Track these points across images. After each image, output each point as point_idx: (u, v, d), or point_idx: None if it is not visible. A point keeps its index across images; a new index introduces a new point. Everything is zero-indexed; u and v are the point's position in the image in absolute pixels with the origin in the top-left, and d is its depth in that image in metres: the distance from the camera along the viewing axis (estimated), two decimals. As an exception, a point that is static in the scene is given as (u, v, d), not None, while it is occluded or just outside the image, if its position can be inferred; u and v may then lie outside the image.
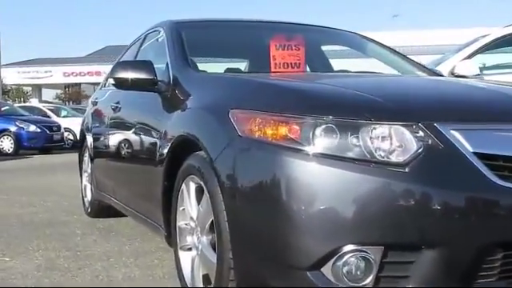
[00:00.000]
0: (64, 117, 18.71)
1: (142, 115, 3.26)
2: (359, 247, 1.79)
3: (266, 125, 1.98)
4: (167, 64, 3.13)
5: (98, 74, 42.90)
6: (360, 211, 1.79)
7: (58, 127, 15.79)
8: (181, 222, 2.61)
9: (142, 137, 3.19)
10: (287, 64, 3.51)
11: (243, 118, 2.07)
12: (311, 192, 1.83)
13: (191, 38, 3.35)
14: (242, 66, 3.96)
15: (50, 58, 46.27)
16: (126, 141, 3.54)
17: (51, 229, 4.45)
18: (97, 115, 4.51)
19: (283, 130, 1.94)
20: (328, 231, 1.81)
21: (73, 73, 43.11)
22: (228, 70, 3.40)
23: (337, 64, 4.14)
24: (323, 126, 1.88)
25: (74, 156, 13.82)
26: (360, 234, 1.80)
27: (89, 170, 4.91)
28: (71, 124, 17.54)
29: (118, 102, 3.79)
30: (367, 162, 1.83)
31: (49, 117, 17.58)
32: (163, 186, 2.73)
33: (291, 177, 1.86)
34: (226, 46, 3.67)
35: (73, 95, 43.22)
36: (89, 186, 4.95)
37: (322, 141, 1.87)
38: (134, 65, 3.03)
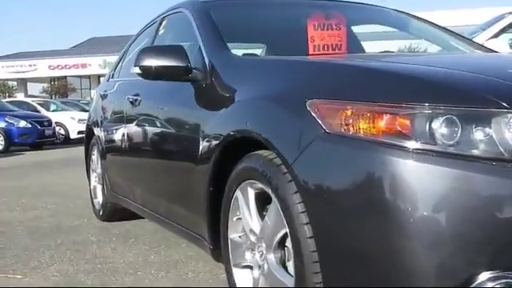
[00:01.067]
0: (54, 111, 18.13)
1: (173, 109, 2.84)
2: (501, 273, 1.40)
3: (362, 118, 1.58)
4: (199, 49, 2.72)
5: (84, 66, 42.28)
6: (501, 226, 1.40)
7: (49, 122, 15.25)
8: (234, 235, 2.21)
9: (175, 134, 2.77)
10: (327, 46, 3.09)
11: (329, 110, 1.67)
12: (432, 202, 1.44)
13: (221, 19, 2.92)
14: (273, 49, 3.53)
15: (34, 51, 45.41)
16: (152, 138, 3.11)
17: (62, 236, 4.02)
18: (108, 109, 4.07)
19: (388, 124, 1.54)
20: (458, 253, 1.42)
21: (58, 66, 42.31)
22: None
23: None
24: (442, 118, 1.48)
25: (68, 151, 13.44)
26: (501, 255, 1.41)
27: (99, 170, 4.48)
28: (62, 118, 17.02)
29: (136, 95, 3.36)
30: (504, 162, 1.43)
31: (38, 111, 17.00)
32: (208, 192, 2.32)
33: (404, 183, 1.46)
34: (259, 28, 3.24)
35: (60, 88, 42.43)
36: (99, 187, 4.52)
37: (441, 136, 1.48)
38: (164, 51, 2.60)
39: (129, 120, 3.47)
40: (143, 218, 4.31)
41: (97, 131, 4.28)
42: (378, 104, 1.57)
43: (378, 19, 3.61)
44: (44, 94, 39.69)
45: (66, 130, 17.02)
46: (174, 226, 2.92)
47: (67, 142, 16.71)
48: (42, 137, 14.67)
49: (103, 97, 4.26)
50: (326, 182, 1.63)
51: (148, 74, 2.62)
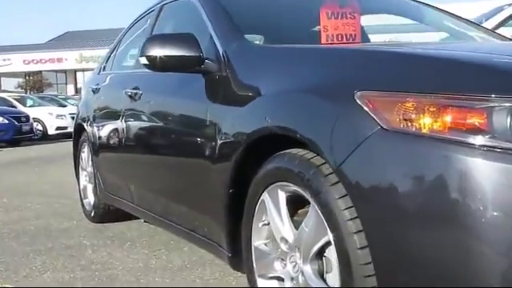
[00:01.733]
0: (30, 106, 17.63)
1: (181, 103, 2.60)
2: None
3: (427, 112, 1.38)
4: (211, 38, 2.49)
5: (60, 60, 41.56)
6: None
7: (27, 118, 14.80)
8: (259, 242, 1.99)
9: (184, 131, 2.54)
10: (341, 36, 2.89)
11: (386, 104, 1.46)
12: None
13: (231, 5, 2.70)
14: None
15: (8, 45, 44.47)
16: (155, 136, 2.88)
17: (52, 240, 3.76)
18: (102, 104, 3.81)
19: (459, 118, 1.34)
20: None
21: (33, 60, 41.54)
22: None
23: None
24: (525, 112, 1.29)
25: (47, 148, 13.03)
26: None
27: (90, 169, 4.22)
28: (39, 114, 16.54)
29: (136, 88, 3.12)
30: None
31: (15, 107, 16.52)
32: (228, 195, 2.10)
33: (486, 188, 1.26)
34: (269, 15, 3.01)
35: (35, 83, 41.60)
36: (90, 187, 4.26)
37: (523, 133, 1.28)
38: (174, 39, 2.36)
39: (127, 115, 3.22)
40: (137, 219, 4.10)
41: (88, 128, 4.02)
42: (446, 96, 1.37)
43: (392, 9, 3.41)
44: (19, 89, 38.85)
45: (44, 126, 16.56)
46: (181, 229, 2.69)
47: (45, 138, 16.27)
48: (19, 133, 14.23)
49: (95, 91, 3.99)
50: (385, 185, 1.42)
51: (155, 64, 2.38)
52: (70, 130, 16.71)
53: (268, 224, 1.96)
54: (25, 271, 3.08)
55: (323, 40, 2.71)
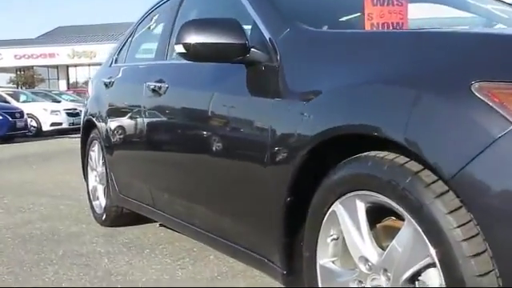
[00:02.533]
0: (24, 102, 17.22)
1: (220, 97, 2.29)
2: None
3: None
4: (254, 24, 2.19)
5: (52, 55, 41.00)
6: None
7: (21, 113, 14.41)
8: (325, 260, 1.71)
9: (225, 129, 2.24)
10: (387, 24, 2.61)
11: (520, 97, 1.18)
12: None
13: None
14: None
15: (-1, 40, 43.85)
16: (188, 135, 2.57)
17: (62, 246, 3.46)
18: (118, 99, 3.50)
19: None
20: None
21: (25, 55, 40.92)
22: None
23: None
24: None
25: (43, 145, 12.64)
26: None
27: (100, 169, 3.91)
28: (33, 109, 16.11)
29: (160, 81, 2.81)
30: None
31: (8, 102, 16.11)
32: (284, 204, 1.81)
33: None
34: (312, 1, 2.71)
35: (27, 79, 41.05)
36: (101, 188, 3.96)
37: None
38: (216, 25, 2.06)
39: (149, 111, 2.91)
40: (150, 222, 3.81)
41: (100, 124, 3.71)
42: None
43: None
44: (11, 85, 38.31)
45: (38, 122, 16.14)
46: (216, 239, 2.40)
47: (39, 134, 15.85)
48: (13, 129, 13.85)
49: (108, 84, 3.68)
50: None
51: (193, 53, 2.08)
52: (65, 126, 16.50)
53: (337, 239, 1.68)
54: (36, 283, 2.78)
55: (367, 29, 2.43)
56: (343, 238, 1.66)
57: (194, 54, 2.09)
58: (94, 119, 3.90)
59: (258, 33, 2.13)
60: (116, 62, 3.90)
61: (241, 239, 2.19)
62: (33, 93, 19.61)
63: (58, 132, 16.25)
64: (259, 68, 2.07)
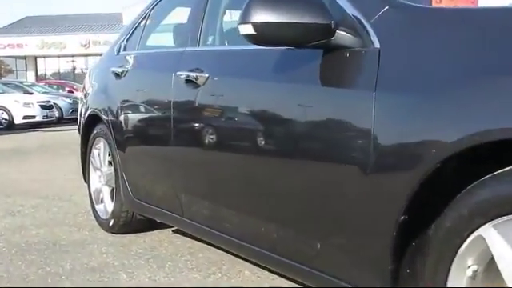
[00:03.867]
0: (-6, 93, 16.49)
1: (291, 90, 1.90)
2: None
3: None
4: (334, 2, 1.82)
5: (20, 46, 39.85)
6: None
7: (-7, 106, 13.77)
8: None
9: (301, 130, 1.84)
10: (457, 9, 2.28)
11: None
12: None
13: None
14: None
15: (-36, 29, 42.40)
16: (242, 132, 2.15)
17: (68, 257, 3.05)
18: (135, 90, 3.07)
19: None
20: None
21: (-9, 45, 39.70)
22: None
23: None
24: None
25: (17, 139, 11.97)
26: None
27: (106, 169, 3.50)
28: (4, 101, 15.37)
29: (197, 70, 2.41)
30: None
31: (-23, 94, 15.41)
32: (396, 222, 1.45)
33: None
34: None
35: (-4, 70, 39.83)
36: (107, 190, 3.54)
37: None
38: (295, 1, 1.68)
39: (181, 104, 2.52)
40: (162, 228, 3.44)
41: (109, 119, 3.28)
42: None
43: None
44: (-23, 76, 37.09)
45: (10, 115, 15.39)
46: (273, 258, 2.02)
47: (11, 127, 15.13)
48: (-16, 122, 13.20)
49: (120, 74, 3.24)
50: None
51: (264, 35, 1.71)
52: (39, 119, 15.81)
53: (476, 271, 1.32)
54: (50, 306, 2.37)
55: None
56: (483, 271, 1.31)
57: (265, 36, 1.71)
58: (99, 113, 3.48)
59: (339, 10, 1.76)
60: (125, 49, 3.48)
61: (316, 260, 1.82)
62: (3, 84, 18.80)
63: (31, 125, 15.58)
64: (344, 54, 1.70)
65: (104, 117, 3.39)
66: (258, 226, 2.11)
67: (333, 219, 1.71)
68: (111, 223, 3.45)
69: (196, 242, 3.18)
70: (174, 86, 2.56)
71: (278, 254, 1.99)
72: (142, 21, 3.41)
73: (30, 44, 39.84)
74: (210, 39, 2.59)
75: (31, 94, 17.78)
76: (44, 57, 41.81)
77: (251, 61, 2.13)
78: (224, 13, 2.67)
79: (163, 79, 2.68)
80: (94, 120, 3.62)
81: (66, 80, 31.24)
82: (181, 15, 2.91)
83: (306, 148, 1.81)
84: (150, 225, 3.46)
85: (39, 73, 42.28)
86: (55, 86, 22.45)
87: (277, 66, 1.98)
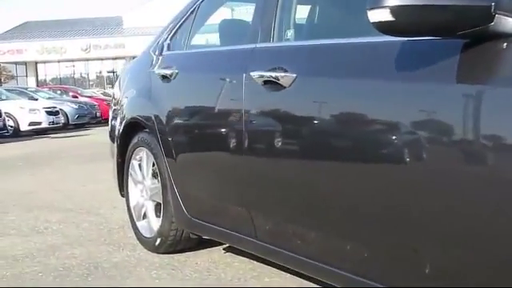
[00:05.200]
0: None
1: (424, 93, 1.55)
2: None
3: None
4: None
5: (20, 52, 39.55)
6: None
7: (-1, 113, 13.41)
8: None
9: (437, 144, 1.50)
10: None
11: None
12: None
13: None
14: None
15: (-37, 35, 42.01)
16: (347, 146, 1.78)
17: (115, 283, 2.71)
18: (193, 94, 2.71)
19: None
20: None
21: (-9, 51, 39.35)
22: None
23: None
24: None
25: (25, 146, 11.57)
26: None
27: (149, 182, 3.15)
28: (10, 108, 14.99)
29: (278, 69, 2.04)
30: None
31: (-20, 101, 15.03)
32: None
33: None
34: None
35: (-2, 75, 39.47)
36: (151, 206, 3.19)
37: None
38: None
39: (261, 109, 2.16)
40: (209, 247, 3.10)
41: (158, 127, 2.91)
42: None
43: None
44: (-21, 82, 36.72)
45: (16, 122, 15.03)
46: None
47: (17, 134, 14.77)
48: (-9, 129, 12.86)
49: (170, 77, 2.88)
50: None
51: (405, 22, 1.36)
52: (45, 125, 15.43)
53: None
54: None
55: None
56: None
57: (406, 23, 1.36)
58: (141, 121, 3.13)
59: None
60: (169, 49, 3.12)
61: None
62: (8, 90, 18.42)
63: (36, 132, 15.23)
64: (502, 45, 1.35)
65: (148, 124, 3.04)
66: (356, 251, 1.76)
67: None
68: (157, 242, 3.09)
69: (256, 263, 2.84)
70: (247, 87, 2.21)
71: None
72: (188, 17, 3.05)
73: (29, 49, 39.53)
74: (289, 33, 2.23)
75: (36, 99, 17.43)
76: (44, 62, 41.48)
77: (360, 56, 1.77)
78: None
79: (229, 80, 2.33)
80: (133, 128, 3.27)
81: (66, 85, 30.92)
82: (250, 9, 2.55)
83: (438, 168, 1.46)
84: (197, 243, 3.12)
85: (40, 78, 41.95)
86: (59, 92, 22.07)
87: (398, 62, 1.63)
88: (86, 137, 13.87)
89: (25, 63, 41.30)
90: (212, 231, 2.63)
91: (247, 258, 2.90)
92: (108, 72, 41.23)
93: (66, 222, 4.14)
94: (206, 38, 3.00)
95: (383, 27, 1.40)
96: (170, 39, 3.15)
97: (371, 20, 1.41)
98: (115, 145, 3.55)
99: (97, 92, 25.04)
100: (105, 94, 25.36)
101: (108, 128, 3.83)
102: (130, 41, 38.58)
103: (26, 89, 20.62)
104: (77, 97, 21.00)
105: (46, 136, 14.51)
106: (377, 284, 1.70)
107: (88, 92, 23.71)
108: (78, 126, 17.84)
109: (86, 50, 39.81)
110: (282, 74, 2.02)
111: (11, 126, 14.90)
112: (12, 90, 19.12)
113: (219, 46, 2.88)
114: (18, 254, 3.30)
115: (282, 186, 2.12)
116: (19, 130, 14.99)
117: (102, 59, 40.56)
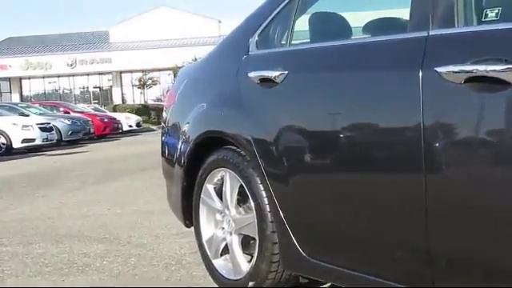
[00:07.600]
0: (-12, 116, 15.33)
1: None
2: None
3: None
4: None
5: (4, 67, 38.64)
6: None
7: (-9, 130, 12.65)
8: None
9: None
10: None
11: None
12: None
13: None
14: None
15: None
16: None
17: None
18: (314, 101, 2.12)
19: None
20: None
21: (-26, 67, 38.41)
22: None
23: None
24: None
25: (24, 164, 10.77)
26: None
27: (234, 211, 2.56)
28: (2, 125, 14.24)
29: (492, 61, 1.48)
30: None
31: (-30, 118, 14.26)
32: None
33: None
34: None
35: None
36: (236, 241, 2.58)
37: None
38: None
39: (467, 119, 1.58)
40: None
41: (257, 142, 2.31)
42: None
43: None
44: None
45: (8, 139, 14.23)
46: None
47: (9, 152, 13.99)
48: (-18, 148, 12.09)
49: (274, 80, 2.29)
50: None
51: None
52: (39, 142, 14.65)
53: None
54: None
55: None
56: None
57: None
58: (226, 135, 2.54)
59: None
60: (257, 47, 2.54)
61: None
62: (-1, 106, 17.62)
63: (29, 150, 14.44)
64: None
65: (239, 140, 2.45)
66: None
67: None
68: (249, 285, 2.48)
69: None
70: (427, 87, 1.63)
71: None
72: (285, 8, 2.47)
73: (13, 65, 38.68)
74: (492, 13, 1.66)
75: (27, 115, 16.67)
76: (29, 78, 40.60)
77: None
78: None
79: (395, 79, 1.75)
80: (207, 144, 2.68)
81: (51, 100, 30.05)
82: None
83: None
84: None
85: (24, 94, 41.02)
86: (49, 107, 21.29)
87: None
88: (84, 153, 13.18)
89: (8, 79, 40.39)
90: (339, 275, 2.03)
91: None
92: (94, 88, 40.56)
93: (107, 256, 3.53)
94: (320, 30, 2.42)
95: None
96: (258, 35, 2.57)
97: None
98: (176, 165, 2.95)
99: (87, 107, 24.27)
100: (95, 109, 24.64)
101: (159, 145, 3.24)
102: (117, 55, 37.95)
103: (17, 104, 19.83)
104: (68, 112, 20.25)
105: (41, 154, 13.76)
106: None
107: (79, 107, 22.96)
108: (72, 143, 17.08)
109: (72, 65, 39.04)
110: (503, 67, 1.45)
111: (3, 144, 14.14)
112: (2, 105, 18.34)
113: (343, 38, 2.28)
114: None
115: (484, 217, 1.54)
116: (12, 148, 14.20)
117: (88, 74, 39.81)
